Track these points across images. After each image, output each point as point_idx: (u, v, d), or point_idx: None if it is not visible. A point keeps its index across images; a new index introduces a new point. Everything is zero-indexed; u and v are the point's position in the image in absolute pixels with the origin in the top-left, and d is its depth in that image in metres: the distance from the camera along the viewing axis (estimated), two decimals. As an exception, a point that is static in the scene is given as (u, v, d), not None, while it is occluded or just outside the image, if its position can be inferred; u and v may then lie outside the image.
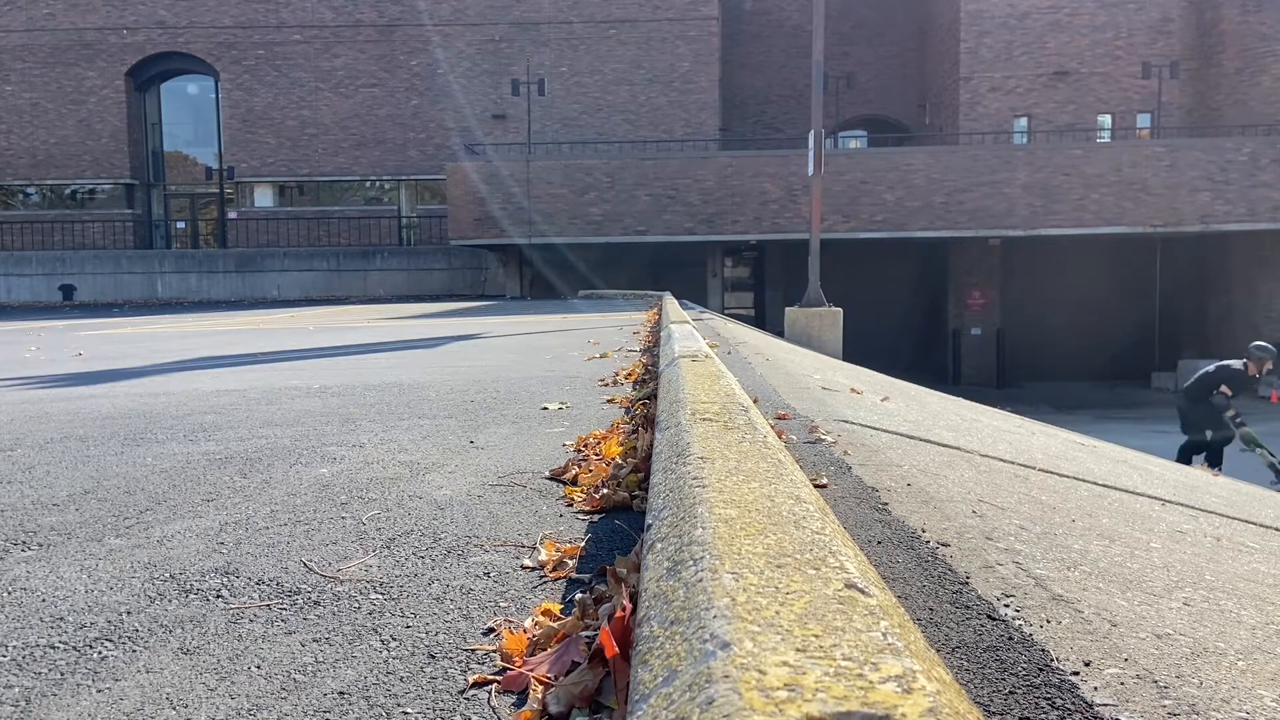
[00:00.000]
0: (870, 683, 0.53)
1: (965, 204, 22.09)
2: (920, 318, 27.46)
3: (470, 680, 1.02)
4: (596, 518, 1.73)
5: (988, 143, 24.78)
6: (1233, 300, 24.95)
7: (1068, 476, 2.47)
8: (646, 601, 0.79)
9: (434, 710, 0.95)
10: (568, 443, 2.52)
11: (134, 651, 1.12)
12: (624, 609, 0.98)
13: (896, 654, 0.58)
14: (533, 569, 1.42)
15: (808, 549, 0.83)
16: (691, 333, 4.79)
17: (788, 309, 11.02)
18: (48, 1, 28.71)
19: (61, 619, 1.23)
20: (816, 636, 0.61)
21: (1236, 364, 9.42)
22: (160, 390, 4.06)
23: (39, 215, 29.23)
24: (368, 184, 29.44)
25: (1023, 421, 4.56)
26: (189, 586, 1.36)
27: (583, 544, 1.52)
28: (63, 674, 1.06)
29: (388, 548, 1.54)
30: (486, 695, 0.98)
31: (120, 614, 1.25)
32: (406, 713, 0.94)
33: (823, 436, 2.50)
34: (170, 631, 1.18)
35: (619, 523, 1.68)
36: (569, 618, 1.12)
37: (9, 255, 27.22)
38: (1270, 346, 9.54)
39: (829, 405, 3.08)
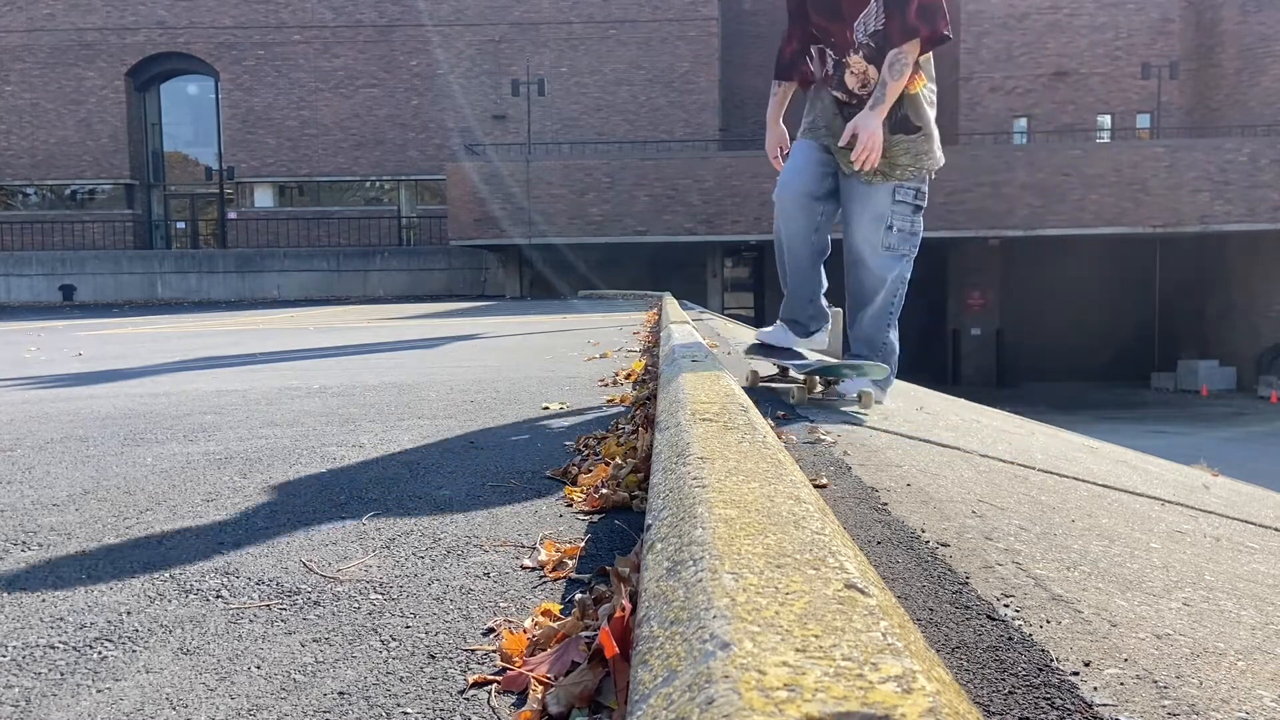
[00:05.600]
0: (870, 683, 0.53)
1: (965, 204, 22.08)
2: (920, 318, 27.44)
3: (470, 680, 1.02)
4: (596, 518, 1.73)
5: (988, 143, 24.77)
6: (1232, 300, 24.95)
7: (1067, 476, 2.47)
8: (646, 601, 0.79)
9: (434, 710, 0.95)
10: (568, 443, 2.52)
11: (134, 651, 1.12)
12: (624, 609, 0.98)
13: (896, 654, 0.58)
14: (532, 569, 1.42)
15: (807, 549, 0.83)
16: (691, 333, 4.79)
17: (788, 309, 10.99)
18: (48, 2, 28.70)
19: (61, 619, 1.23)
20: (816, 637, 0.61)
21: None
22: (160, 390, 4.06)
23: (39, 215, 29.22)
24: (368, 184, 29.43)
25: (1022, 422, 4.56)
26: (189, 586, 1.36)
27: (583, 544, 1.52)
28: (63, 674, 1.06)
29: (387, 548, 1.54)
30: (486, 695, 0.98)
31: (120, 614, 1.25)
32: (406, 713, 0.94)
33: (822, 437, 2.50)
34: (170, 631, 1.18)
35: (619, 523, 1.68)
36: (569, 618, 1.12)
37: (9, 255, 27.21)
38: None
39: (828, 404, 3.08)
